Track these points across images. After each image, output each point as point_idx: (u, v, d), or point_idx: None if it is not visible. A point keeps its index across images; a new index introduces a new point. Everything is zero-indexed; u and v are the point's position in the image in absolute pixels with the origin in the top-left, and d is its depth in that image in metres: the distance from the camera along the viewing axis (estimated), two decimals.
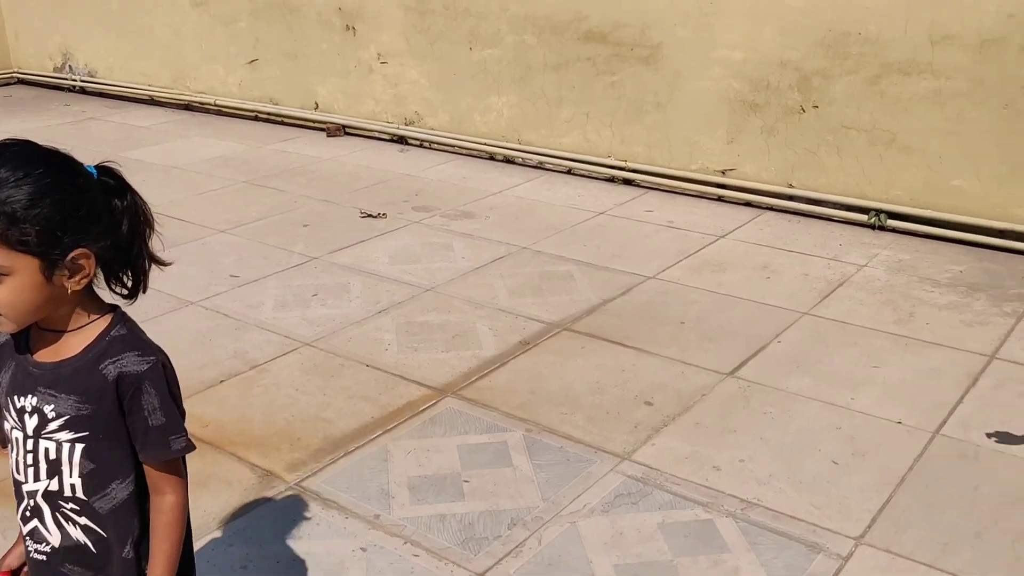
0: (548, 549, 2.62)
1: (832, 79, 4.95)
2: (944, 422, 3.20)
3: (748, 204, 5.42)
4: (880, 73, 4.80)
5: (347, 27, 6.83)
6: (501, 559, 2.57)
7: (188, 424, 1.57)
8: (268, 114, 7.56)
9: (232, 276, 4.49)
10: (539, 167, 6.24)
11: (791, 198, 5.27)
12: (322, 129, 7.20)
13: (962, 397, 3.35)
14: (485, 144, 6.40)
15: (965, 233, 4.73)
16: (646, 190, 5.75)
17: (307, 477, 2.94)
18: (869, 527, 2.69)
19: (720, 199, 5.52)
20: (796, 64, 5.05)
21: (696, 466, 2.98)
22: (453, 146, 6.59)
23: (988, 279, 4.35)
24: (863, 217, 5.01)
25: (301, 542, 2.65)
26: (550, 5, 5.85)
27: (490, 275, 4.48)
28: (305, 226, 5.16)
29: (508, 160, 6.37)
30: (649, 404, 3.34)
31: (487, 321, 3.99)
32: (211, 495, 2.85)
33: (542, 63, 5.99)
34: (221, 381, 3.52)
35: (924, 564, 2.54)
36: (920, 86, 4.69)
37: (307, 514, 2.77)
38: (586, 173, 6.02)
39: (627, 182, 5.85)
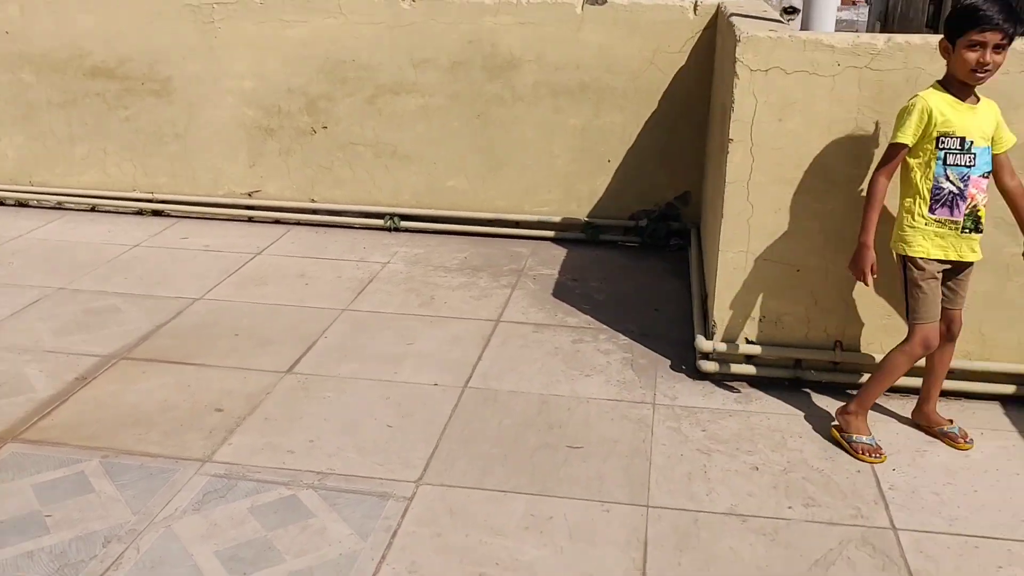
0: (148, 554, 2.79)
1: (336, 101, 5.53)
2: (470, 377, 3.88)
3: (277, 222, 5.81)
4: (376, 93, 5.48)
5: None
6: (103, 575, 2.70)
7: None
8: None
9: None
10: (59, 207, 6.06)
11: (315, 212, 5.77)
12: None
13: (480, 355, 4.08)
14: None
15: (464, 225, 5.60)
16: (178, 219, 5.89)
17: None
18: (424, 470, 3.24)
19: (251, 220, 5.85)
20: (303, 90, 5.55)
21: (272, 454, 3.32)
22: None
23: (486, 261, 5.22)
24: (380, 221, 5.68)
25: None
26: (46, 43, 5.72)
27: (29, 319, 4.37)
28: None
29: (21, 203, 6.09)
30: (220, 410, 3.59)
31: (35, 364, 3.93)
32: None
33: (46, 101, 5.83)
34: None
35: (470, 488, 3.15)
36: (410, 103, 5.45)
37: None
38: (112, 209, 5.99)
39: (157, 213, 5.94)
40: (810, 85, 3.46)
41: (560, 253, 5.37)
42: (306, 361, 4.00)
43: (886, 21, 22.26)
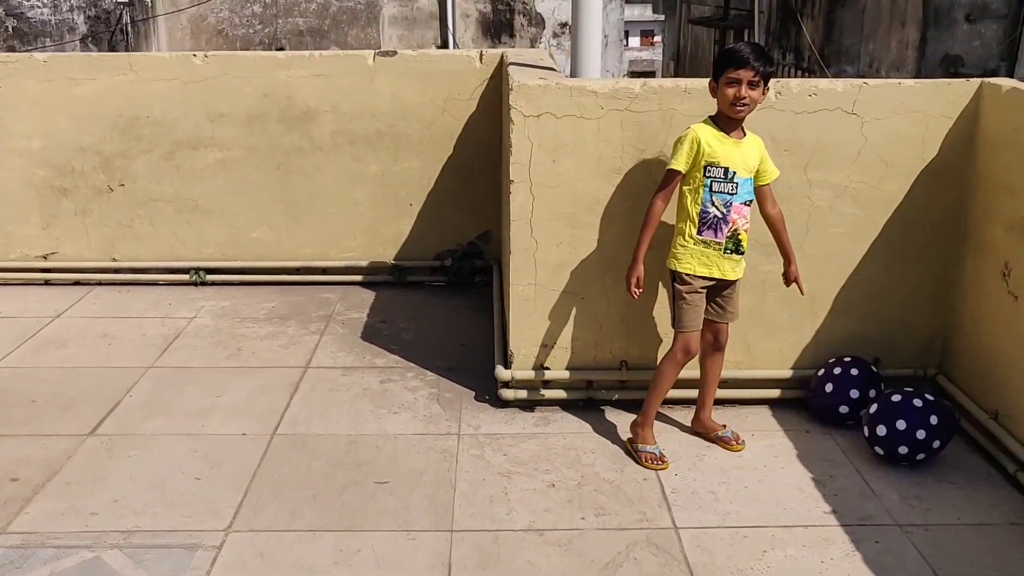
0: None
1: (132, 158, 5.48)
2: (278, 424, 3.95)
3: (77, 283, 5.67)
4: (173, 149, 5.47)
5: None
6: None
7: None
8: None
9: None
10: None
11: (117, 270, 5.67)
12: None
13: (289, 402, 4.15)
14: None
15: (271, 275, 5.64)
16: None
17: None
18: (234, 518, 3.29)
19: (48, 283, 5.68)
20: (96, 148, 5.47)
21: (74, 518, 3.27)
22: None
23: (295, 309, 5.29)
24: (186, 276, 5.63)
25: None
26: None
27: None
28: None
29: None
30: (15, 480, 3.51)
31: None
32: None
33: None
34: None
35: (280, 530, 3.22)
36: (208, 157, 5.47)
37: None
38: None
39: None
40: (579, 128, 3.77)
41: (369, 297, 5.50)
42: (110, 422, 3.96)
43: (679, 60, 23.79)
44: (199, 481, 3.52)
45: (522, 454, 3.71)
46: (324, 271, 5.66)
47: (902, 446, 3.55)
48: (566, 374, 4.06)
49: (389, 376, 4.42)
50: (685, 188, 3.53)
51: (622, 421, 3.94)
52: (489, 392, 4.21)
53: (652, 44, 46.64)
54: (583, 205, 3.86)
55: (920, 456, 3.57)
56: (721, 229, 3.50)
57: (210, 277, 5.66)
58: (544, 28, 11.32)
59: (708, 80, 3.55)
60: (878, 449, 3.63)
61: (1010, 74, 11.50)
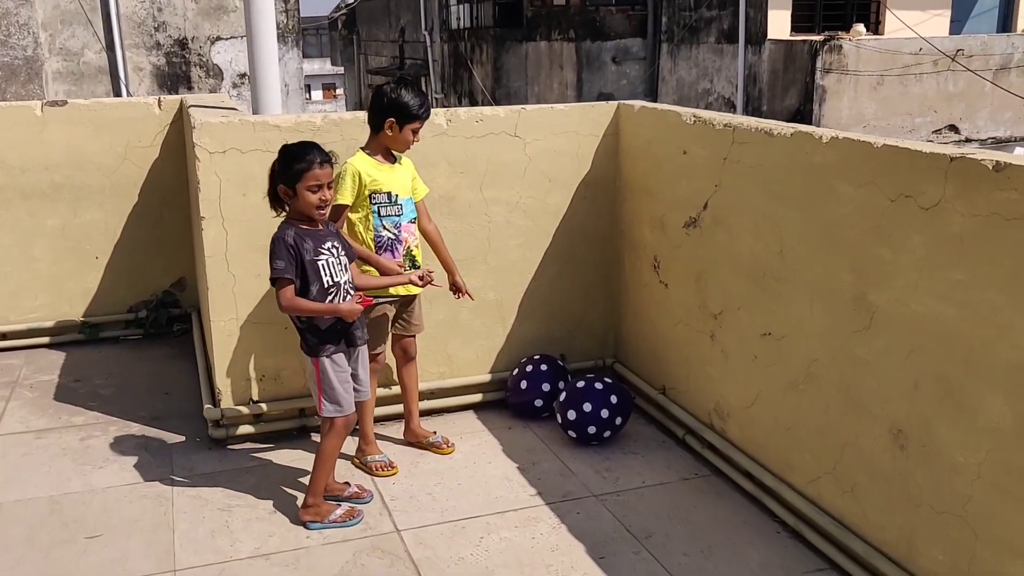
0: None
1: None
2: None
3: None
4: None
5: None
6: None
7: None
8: None
9: None
10: None
11: None
12: None
13: None
14: None
15: None
16: None
17: None
18: None
19: None
20: None
21: None
22: None
23: None
24: None
25: None
26: None
27: None
28: None
29: None
30: None
31: None
32: None
33: None
34: None
35: None
36: None
37: None
38: None
39: None
40: (266, 161, 3.85)
41: (59, 357, 5.20)
42: None
43: (360, 109, 24.27)
44: None
45: (241, 487, 3.72)
46: (3, 336, 5.28)
47: (591, 426, 3.97)
48: (277, 405, 4.12)
49: (90, 433, 4.23)
50: (355, 217, 3.72)
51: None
52: (200, 434, 4.17)
53: (335, 96, 47.15)
54: None
55: (607, 434, 4.01)
56: (396, 249, 3.74)
57: None
58: (223, 79, 11.21)
59: (375, 116, 3.68)
60: (571, 433, 4.03)
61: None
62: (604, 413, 3.97)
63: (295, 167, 3.28)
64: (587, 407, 3.96)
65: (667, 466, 3.90)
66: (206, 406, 4.10)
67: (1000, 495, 2.52)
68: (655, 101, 12.92)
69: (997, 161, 2.47)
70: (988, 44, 12.98)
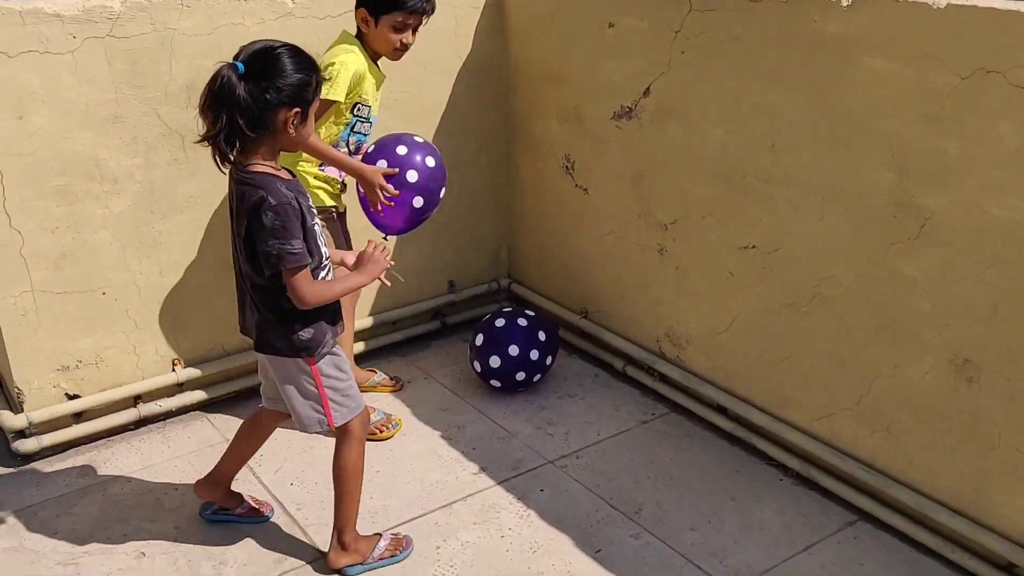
0: None
1: None
2: None
3: None
4: None
5: None
6: None
7: None
8: None
9: None
10: None
11: None
12: None
13: None
14: None
15: None
16: None
17: None
18: None
19: None
20: None
21: None
22: None
23: None
24: None
25: None
26: None
27: None
28: None
29: None
30: None
31: None
32: None
33: None
34: None
35: None
36: None
37: None
38: None
39: None
40: (48, 67, 2.71)
41: None
42: None
43: None
44: None
45: (81, 522, 2.71)
46: None
47: (519, 372, 3.25)
48: (103, 396, 3.07)
49: None
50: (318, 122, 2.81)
51: (196, 434, 3.11)
52: (0, 452, 3.05)
53: None
54: (79, 171, 2.83)
55: (536, 378, 3.32)
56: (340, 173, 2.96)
57: None
58: None
59: (358, 8, 2.80)
60: (494, 382, 3.30)
61: None
62: (534, 354, 3.26)
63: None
64: (513, 350, 3.23)
65: (615, 408, 3.28)
66: (2, 413, 2.98)
67: None
68: None
69: None
70: None
